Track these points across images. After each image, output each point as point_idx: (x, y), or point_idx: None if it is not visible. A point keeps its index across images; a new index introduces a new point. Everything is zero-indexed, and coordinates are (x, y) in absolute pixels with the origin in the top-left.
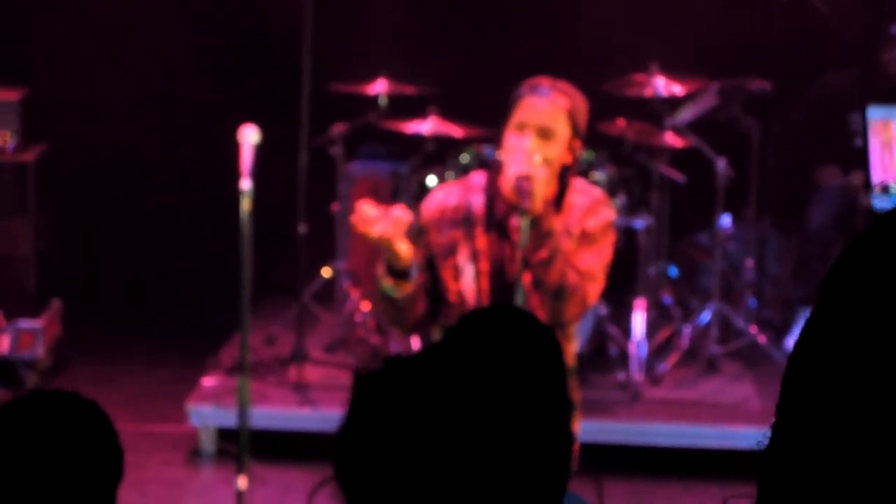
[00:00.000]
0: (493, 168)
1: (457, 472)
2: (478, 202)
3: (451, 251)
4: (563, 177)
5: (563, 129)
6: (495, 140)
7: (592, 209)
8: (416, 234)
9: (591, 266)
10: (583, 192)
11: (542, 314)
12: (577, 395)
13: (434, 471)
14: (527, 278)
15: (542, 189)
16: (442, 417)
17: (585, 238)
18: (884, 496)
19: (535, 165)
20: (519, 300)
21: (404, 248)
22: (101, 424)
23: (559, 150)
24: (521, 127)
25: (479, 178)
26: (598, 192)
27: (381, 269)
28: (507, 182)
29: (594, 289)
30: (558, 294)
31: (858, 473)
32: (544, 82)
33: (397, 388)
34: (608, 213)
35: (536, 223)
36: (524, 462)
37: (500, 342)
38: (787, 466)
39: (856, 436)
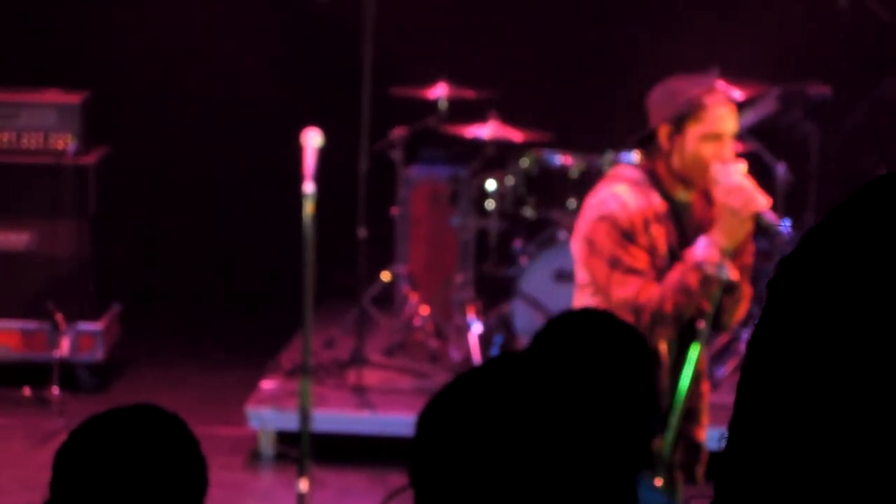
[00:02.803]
0: (650, 161)
1: (527, 478)
2: (656, 198)
3: (655, 248)
4: None
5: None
6: (666, 140)
7: None
8: (628, 238)
9: (749, 263)
10: None
11: (730, 316)
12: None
13: (512, 473)
14: (734, 278)
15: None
16: (524, 421)
17: None
18: (833, 497)
19: (742, 174)
20: (715, 299)
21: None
22: (183, 436)
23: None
24: (719, 138)
25: (632, 172)
26: None
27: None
28: (739, 195)
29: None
30: (737, 299)
31: (810, 475)
32: (718, 89)
33: (471, 394)
34: None
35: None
36: (601, 472)
37: (590, 347)
38: (741, 467)
39: (805, 435)
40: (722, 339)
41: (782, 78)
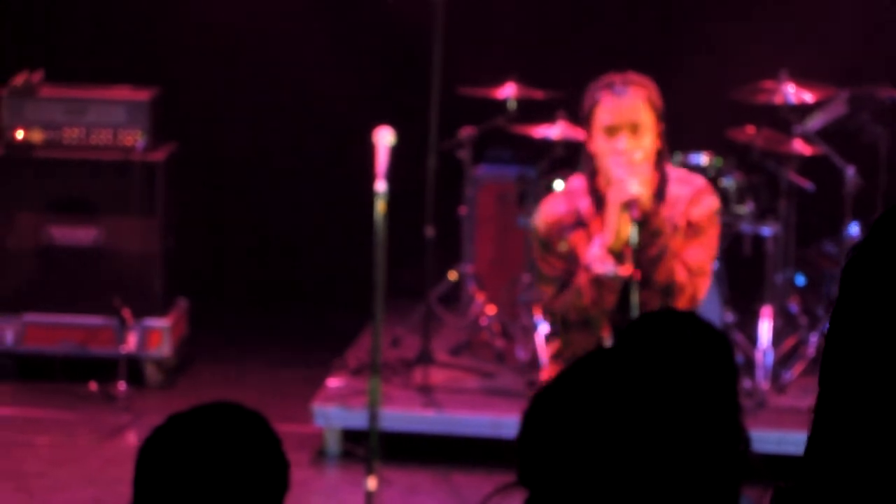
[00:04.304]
0: (587, 170)
1: (636, 473)
2: (584, 204)
3: (573, 253)
4: (660, 162)
5: (648, 119)
6: (582, 142)
7: (696, 198)
8: (544, 248)
9: (699, 261)
10: (684, 182)
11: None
12: None
13: (615, 469)
14: (636, 275)
15: (649, 185)
16: (620, 419)
17: (692, 229)
18: None
19: (636, 164)
20: (634, 296)
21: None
22: (266, 435)
23: (650, 139)
24: (612, 130)
25: (578, 182)
26: (700, 181)
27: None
28: (615, 187)
29: (703, 284)
30: (667, 291)
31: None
32: (616, 79)
33: (577, 391)
34: (712, 202)
35: (645, 221)
36: (700, 463)
37: (673, 345)
38: (825, 458)
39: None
40: (789, 342)
41: (852, 81)
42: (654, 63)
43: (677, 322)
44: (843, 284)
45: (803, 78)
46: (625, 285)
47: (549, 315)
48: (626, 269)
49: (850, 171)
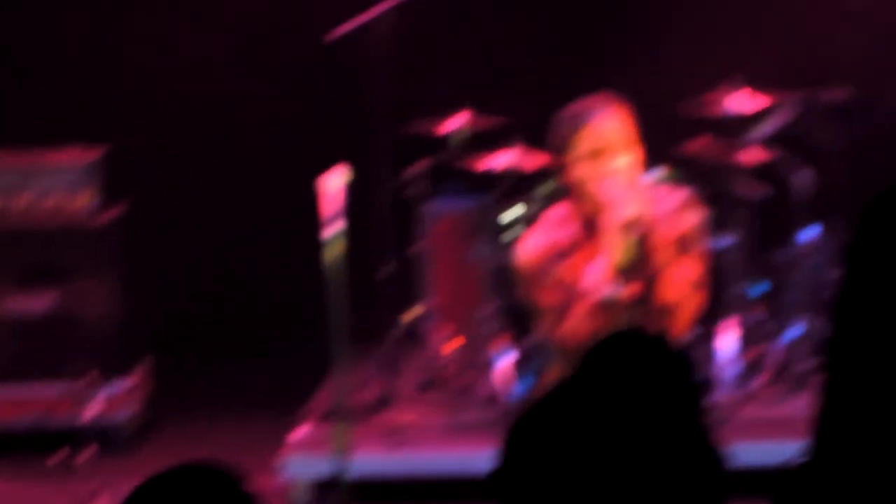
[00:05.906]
0: (571, 198)
1: (618, 499)
2: (569, 232)
3: (565, 282)
4: (644, 178)
5: (630, 135)
6: (559, 173)
7: (682, 211)
8: (534, 281)
9: (693, 276)
10: (668, 196)
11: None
12: None
13: (595, 497)
14: (636, 296)
15: (644, 203)
16: (596, 446)
17: (681, 244)
18: None
19: (632, 183)
20: (625, 316)
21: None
22: (237, 495)
23: (635, 153)
24: (597, 153)
25: (556, 211)
26: (684, 193)
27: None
28: (612, 210)
29: (699, 299)
30: (664, 310)
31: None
32: (588, 103)
33: (552, 421)
34: (699, 212)
35: (643, 241)
36: (680, 484)
37: (634, 370)
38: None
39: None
40: (753, 352)
41: (800, 85)
42: (607, 77)
43: (637, 345)
44: (849, 264)
45: (751, 85)
46: (626, 307)
47: (550, 345)
48: (628, 291)
49: (802, 176)
